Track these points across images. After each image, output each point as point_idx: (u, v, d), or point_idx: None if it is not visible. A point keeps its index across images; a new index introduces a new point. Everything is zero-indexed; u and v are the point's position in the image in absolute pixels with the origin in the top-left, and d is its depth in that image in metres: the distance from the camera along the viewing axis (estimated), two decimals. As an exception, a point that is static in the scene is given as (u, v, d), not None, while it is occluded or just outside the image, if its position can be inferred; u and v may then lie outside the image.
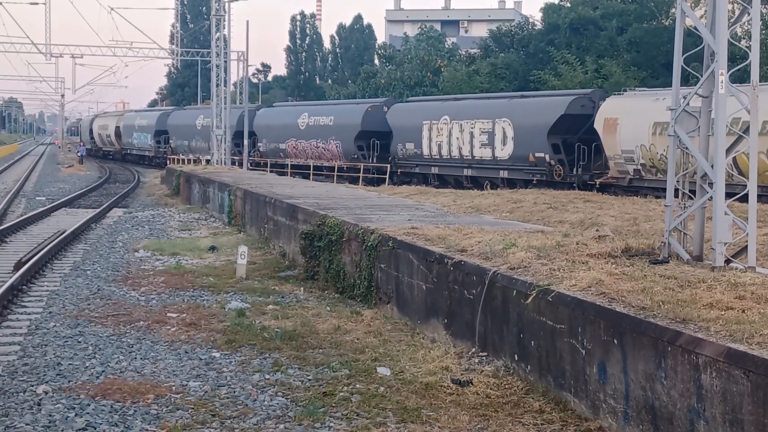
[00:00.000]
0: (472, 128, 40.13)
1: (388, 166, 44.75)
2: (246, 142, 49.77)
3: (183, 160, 58.20)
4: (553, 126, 35.55)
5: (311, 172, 48.56)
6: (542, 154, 36.19)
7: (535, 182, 36.14)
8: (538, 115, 36.55)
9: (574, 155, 35.16)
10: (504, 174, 38.43)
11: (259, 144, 55.57)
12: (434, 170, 42.56)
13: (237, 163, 49.69)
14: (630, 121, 31.81)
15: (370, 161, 46.29)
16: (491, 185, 38.45)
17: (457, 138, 40.90)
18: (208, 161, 48.72)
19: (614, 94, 35.13)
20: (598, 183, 33.64)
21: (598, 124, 33.44)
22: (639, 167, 31.90)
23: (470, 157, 40.34)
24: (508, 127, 38.07)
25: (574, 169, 35.22)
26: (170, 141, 68.33)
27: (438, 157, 42.30)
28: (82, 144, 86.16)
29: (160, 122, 70.28)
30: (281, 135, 52.99)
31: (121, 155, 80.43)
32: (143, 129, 74.17)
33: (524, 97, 40.37)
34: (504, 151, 38.38)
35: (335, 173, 46.42)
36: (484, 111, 40.10)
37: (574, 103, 35.59)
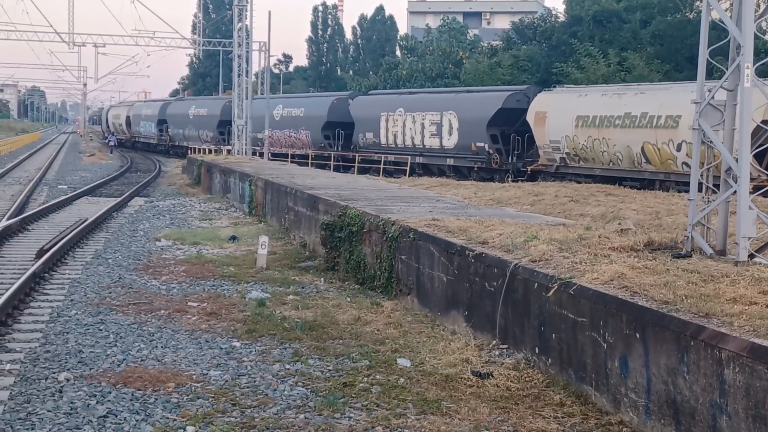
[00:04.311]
0: (423, 120, 43.45)
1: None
2: (267, 131, 50.10)
3: (204, 149, 58.56)
4: (491, 118, 38.84)
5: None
6: (482, 144, 39.38)
7: (476, 169, 39.60)
8: (479, 109, 39.85)
9: (510, 145, 38.50)
10: (450, 162, 41.80)
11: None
12: (390, 158, 45.47)
13: (257, 154, 49.83)
14: (557, 114, 35.20)
15: (336, 150, 49.47)
16: (439, 172, 42.02)
17: (410, 128, 44.27)
18: (229, 151, 48.87)
19: (545, 90, 38.44)
20: (529, 170, 36.85)
21: (530, 117, 36.72)
22: (564, 156, 35.24)
23: (421, 146, 43.71)
24: (453, 119, 41.39)
25: (510, 158, 38.56)
26: (168, 130, 72.43)
27: (394, 145, 45.53)
28: (113, 132, 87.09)
29: (161, 112, 74.55)
30: (259, 125, 53.86)
31: (131, 143, 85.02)
32: (148, 118, 78.42)
33: (468, 92, 44.02)
34: (450, 141, 41.72)
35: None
36: (433, 104, 43.46)
37: (511, 98, 39.00)
